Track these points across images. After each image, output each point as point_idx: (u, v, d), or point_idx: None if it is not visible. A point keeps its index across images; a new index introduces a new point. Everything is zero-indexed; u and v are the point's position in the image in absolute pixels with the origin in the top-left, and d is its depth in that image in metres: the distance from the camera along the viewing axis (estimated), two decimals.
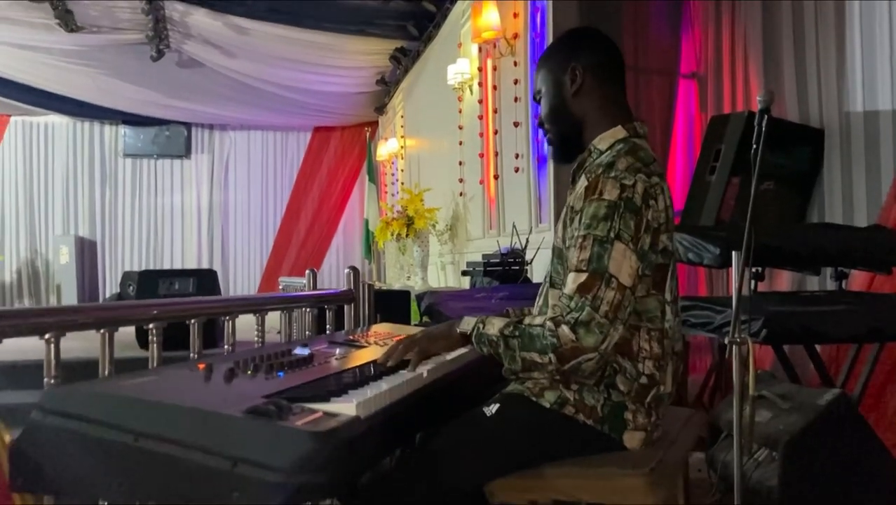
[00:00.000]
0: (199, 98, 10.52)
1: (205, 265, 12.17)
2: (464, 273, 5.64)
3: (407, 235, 7.47)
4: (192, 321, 1.83)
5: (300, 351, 1.67)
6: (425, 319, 4.59)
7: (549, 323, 1.41)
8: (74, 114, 11.64)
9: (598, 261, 1.41)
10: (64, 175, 12.03)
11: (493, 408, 1.48)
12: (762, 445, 2.70)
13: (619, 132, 1.59)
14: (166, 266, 12.18)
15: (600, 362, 1.41)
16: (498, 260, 5.22)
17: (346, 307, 2.54)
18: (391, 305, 4.21)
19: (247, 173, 12.46)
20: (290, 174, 12.45)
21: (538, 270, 5.54)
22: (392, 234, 7.75)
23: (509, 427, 1.46)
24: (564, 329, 1.39)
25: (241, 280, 12.35)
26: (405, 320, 4.29)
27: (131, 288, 10.83)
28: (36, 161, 11.95)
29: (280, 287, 4.51)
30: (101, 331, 1.68)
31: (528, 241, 5.28)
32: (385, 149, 10.82)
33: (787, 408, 2.76)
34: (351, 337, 2.01)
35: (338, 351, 1.78)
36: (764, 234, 3.33)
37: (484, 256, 5.50)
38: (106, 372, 1.68)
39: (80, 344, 2.07)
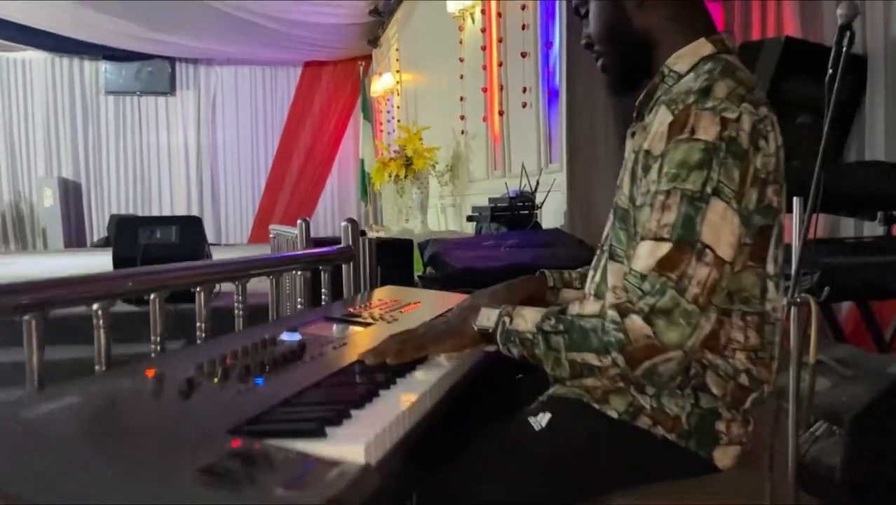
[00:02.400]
0: (182, 31, 9.90)
1: (194, 208, 11.74)
2: (469, 218, 5.25)
3: (405, 177, 7.05)
4: (153, 296, 1.46)
5: (288, 337, 1.30)
6: (429, 269, 4.24)
7: (611, 312, 1.05)
8: (52, 49, 11.00)
9: (688, 225, 1.04)
10: (44, 114, 11.46)
11: (542, 419, 1.12)
12: (820, 418, 2.40)
13: (702, 47, 1.19)
14: (154, 209, 11.75)
15: (683, 363, 1.05)
16: (506, 204, 4.83)
17: (344, 267, 2.18)
18: (392, 255, 3.84)
19: (235, 112, 11.90)
20: (281, 112, 11.89)
21: (548, 215, 5.16)
22: (389, 176, 7.33)
23: (566, 445, 1.10)
24: (636, 320, 1.02)
25: (232, 224, 11.95)
26: (408, 272, 3.93)
27: None
28: (14, 99, 11.36)
29: (271, 236, 4.13)
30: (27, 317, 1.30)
31: (538, 183, 4.89)
32: (380, 84, 10.27)
33: (850, 376, 2.45)
34: (351, 310, 1.64)
35: (335, 332, 1.42)
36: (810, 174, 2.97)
37: (490, 199, 5.11)
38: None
39: None
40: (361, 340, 1.36)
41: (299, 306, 1.95)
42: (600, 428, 1.10)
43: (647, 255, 1.05)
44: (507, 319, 1.18)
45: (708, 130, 1.05)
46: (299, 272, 1.93)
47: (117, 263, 4.39)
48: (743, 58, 4.14)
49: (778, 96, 3.94)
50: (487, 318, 1.21)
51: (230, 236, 11.91)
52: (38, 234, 11.69)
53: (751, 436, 1.14)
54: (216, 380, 1.01)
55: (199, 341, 1.61)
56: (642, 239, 1.08)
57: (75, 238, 11.51)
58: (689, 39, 1.19)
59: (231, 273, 1.69)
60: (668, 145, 1.08)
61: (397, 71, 9.65)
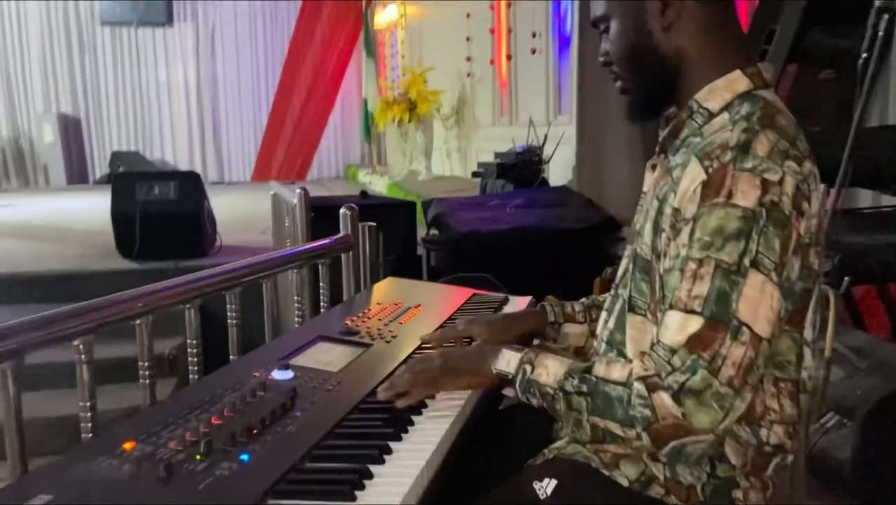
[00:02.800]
0: None
1: (196, 144, 11.58)
2: (474, 175, 5.13)
3: (409, 121, 6.87)
4: (138, 322, 1.38)
5: (280, 376, 1.23)
6: (432, 231, 4.14)
7: (638, 385, 0.97)
8: None
9: (723, 301, 0.94)
10: (40, 47, 11.15)
11: (547, 485, 1.06)
12: (831, 410, 2.35)
13: (737, 82, 1.06)
14: (155, 145, 11.58)
15: (713, 445, 0.98)
16: (512, 160, 4.70)
17: (343, 257, 2.09)
18: (394, 218, 3.74)
19: (234, 45, 11.57)
20: (281, 46, 11.55)
21: (556, 171, 5.02)
22: (393, 119, 7.15)
23: None
24: (664, 398, 0.94)
25: (235, 161, 11.78)
26: (411, 235, 3.84)
27: (120, 167, 10.31)
28: (9, 32, 11.04)
29: (271, 193, 4.02)
30: None
31: (546, 136, 4.75)
32: (383, 17, 9.93)
33: (865, 367, 2.39)
34: (348, 323, 1.56)
35: (330, 362, 1.33)
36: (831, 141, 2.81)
37: (497, 154, 4.97)
38: None
39: None
40: (362, 370, 1.29)
41: (296, 314, 1.88)
42: (610, 498, 1.03)
43: (676, 328, 0.96)
44: (528, 368, 1.10)
45: (747, 195, 0.94)
46: (295, 272, 1.85)
47: (116, 219, 4.31)
48: (765, 6, 3.90)
49: (801, 50, 3.74)
50: (507, 362, 1.14)
51: (233, 174, 11.77)
52: (40, 171, 11.56)
53: (770, 499, 1.07)
54: (199, 456, 0.94)
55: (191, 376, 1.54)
56: (671, 307, 0.99)
57: (77, 174, 11.38)
58: (720, 69, 1.07)
59: (222, 283, 1.60)
60: (700, 208, 0.97)
61: (401, 3, 9.30)
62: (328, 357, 1.36)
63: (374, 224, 2.16)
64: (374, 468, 0.95)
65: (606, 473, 1.06)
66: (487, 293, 1.97)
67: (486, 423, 1.30)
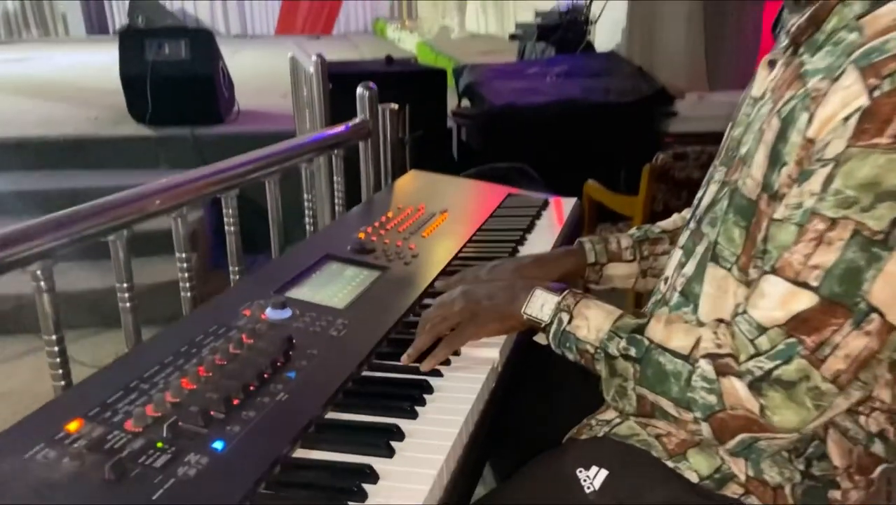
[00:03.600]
0: None
1: None
2: (512, 37, 4.68)
3: None
4: (111, 238, 1.15)
5: (273, 316, 1.02)
6: (464, 102, 3.80)
7: (704, 364, 0.76)
8: None
9: (852, 280, 0.69)
10: None
11: (595, 476, 0.85)
12: None
13: None
14: None
15: (795, 441, 0.78)
16: (555, 21, 4.24)
17: (361, 146, 1.82)
18: (422, 88, 3.41)
19: None
20: None
21: (603, 35, 4.55)
22: None
23: None
24: (737, 386, 0.74)
25: (258, 12, 11.15)
26: (440, 108, 3.50)
27: (139, 18, 9.86)
28: None
29: (289, 56, 3.68)
30: None
31: None
32: None
33: None
34: (362, 238, 1.33)
35: (337, 295, 1.12)
36: None
37: (537, 13, 4.50)
38: None
39: None
40: (369, 316, 1.07)
41: (308, 220, 1.63)
42: (675, 497, 0.83)
43: (777, 301, 0.73)
44: (564, 317, 0.90)
45: None
46: (306, 166, 1.60)
47: (125, 82, 4.03)
48: None
49: None
50: (541, 307, 0.93)
51: (255, 27, 11.20)
52: (59, 20, 11.16)
53: (870, 498, 0.87)
54: (160, 444, 0.75)
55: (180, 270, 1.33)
56: (773, 271, 0.74)
57: (97, 24, 10.96)
58: None
59: (221, 182, 1.36)
60: (850, 147, 0.70)
61: None
62: (335, 287, 1.15)
63: (396, 106, 1.88)
64: (379, 466, 0.75)
65: (671, 464, 0.85)
66: (524, 194, 1.72)
67: (523, 364, 1.09)
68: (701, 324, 0.85)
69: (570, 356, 0.90)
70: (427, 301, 1.14)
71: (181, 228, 1.29)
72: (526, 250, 1.36)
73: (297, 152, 1.54)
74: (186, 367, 0.88)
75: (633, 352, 0.82)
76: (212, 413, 0.80)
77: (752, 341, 0.74)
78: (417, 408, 0.85)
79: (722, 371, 0.75)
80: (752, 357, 0.73)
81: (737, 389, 0.74)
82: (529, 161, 2.84)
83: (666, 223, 1.19)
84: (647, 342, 0.82)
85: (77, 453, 0.72)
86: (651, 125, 3.49)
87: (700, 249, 0.90)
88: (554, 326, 0.90)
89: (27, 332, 2.99)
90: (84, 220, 1.14)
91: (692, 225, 0.95)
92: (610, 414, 0.93)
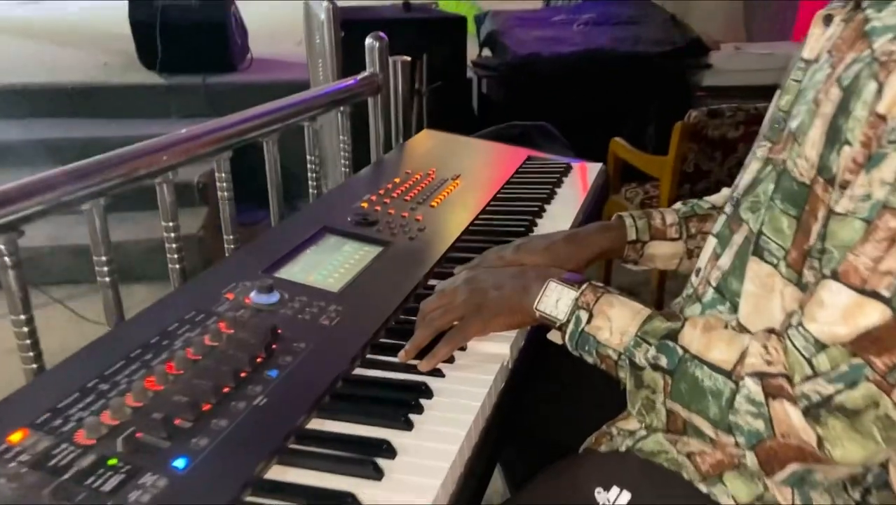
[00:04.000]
0: None
1: None
2: None
3: None
4: (86, 207, 1.03)
5: (259, 300, 0.91)
6: (485, 51, 3.61)
7: (751, 383, 0.65)
8: None
9: None
10: None
11: (617, 498, 0.74)
12: None
13: None
14: None
15: (853, 473, 0.68)
16: None
17: (370, 102, 1.69)
18: (440, 36, 3.23)
19: None
20: None
21: None
22: None
23: None
24: (790, 412, 0.62)
25: None
26: (459, 58, 3.33)
27: None
28: None
29: (303, 3, 3.51)
30: None
31: None
32: None
33: None
34: (365, 207, 1.21)
35: (332, 276, 1.01)
36: None
37: None
38: None
39: None
40: (365, 302, 0.96)
41: (311, 183, 1.50)
42: None
43: (839, 313, 0.61)
44: (583, 315, 0.78)
45: None
46: (308, 125, 1.47)
47: (134, 27, 3.89)
48: None
49: None
50: (556, 303, 0.81)
51: None
52: None
53: None
54: (113, 461, 0.65)
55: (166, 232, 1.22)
56: (834, 276, 0.62)
57: None
58: None
59: (210, 145, 1.24)
60: None
61: None
62: (330, 265, 1.03)
63: (409, 58, 1.73)
64: (365, 491, 0.65)
65: (704, 489, 0.74)
66: (544, 157, 1.58)
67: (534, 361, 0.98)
68: (742, 328, 0.73)
69: (590, 360, 0.79)
70: (433, 282, 1.03)
71: (167, 194, 1.17)
72: (545, 223, 1.24)
73: (296, 110, 1.42)
74: (154, 363, 0.78)
75: (663, 362, 0.71)
76: (177, 422, 0.70)
77: (808, 360, 0.62)
78: (413, 417, 0.75)
79: (772, 393, 0.63)
80: (808, 379, 0.62)
81: (790, 415, 0.62)
82: (553, 116, 2.68)
83: (716, 198, 1.06)
84: (681, 351, 0.70)
85: (15, 473, 0.63)
86: (684, 78, 3.30)
87: (738, 239, 0.77)
88: (571, 326, 0.79)
89: (36, 284, 2.94)
90: (59, 187, 1.03)
91: (728, 209, 0.82)
92: (634, 423, 0.82)
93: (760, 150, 0.79)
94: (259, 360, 0.80)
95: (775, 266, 0.71)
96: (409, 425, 0.74)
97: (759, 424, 0.64)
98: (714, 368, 0.67)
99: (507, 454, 1.22)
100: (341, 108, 1.58)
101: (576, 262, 0.99)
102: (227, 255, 1.33)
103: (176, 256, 1.22)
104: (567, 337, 0.80)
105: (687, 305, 0.84)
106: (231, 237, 1.34)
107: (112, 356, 0.79)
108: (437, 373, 0.82)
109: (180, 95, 3.84)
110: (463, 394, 0.79)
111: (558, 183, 1.41)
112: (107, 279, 1.11)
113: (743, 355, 0.66)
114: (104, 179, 1.08)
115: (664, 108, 2.90)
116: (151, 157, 1.15)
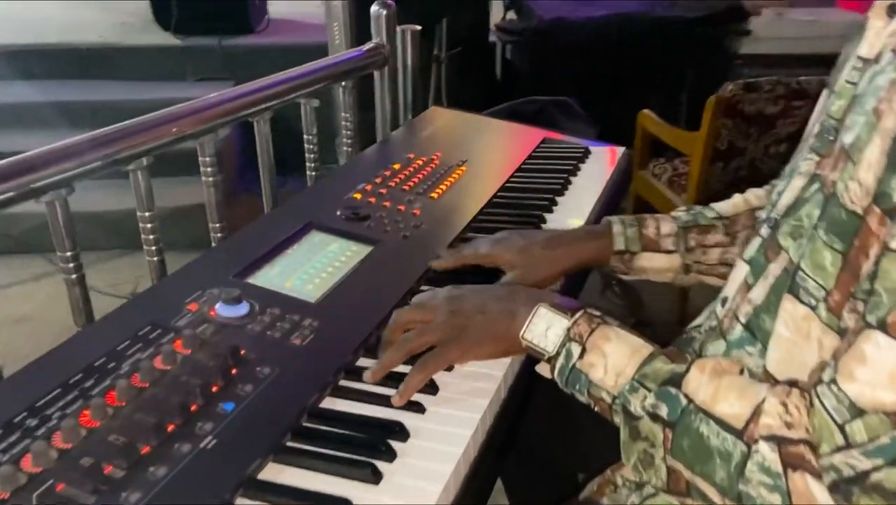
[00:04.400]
0: None
1: None
2: None
3: None
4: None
5: (225, 312, 0.81)
6: (509, 14, 3.44)
7: (765, 449, 0.54)
8: None
9: None
10: None
11: None
12: None
13: None
14: None
15: None
16: None
17: (376, 77, 1.57)
18: None
19: None
20: None
21: None
22: None
23: None
24: (813, 489, 0.52)
25: None
26: (481, 18, 3.16)
27: None
28: None
29: None
30: None
31: None
32: None
33: None
34: (358, 198, 1.10)
35: (311, 283, 0.90)
36: None
37: None
38: None
39: None
40: (345, 315, 0.86)
41: (308, 164, 1.39)
42: None
43: (885, 373, 0.50)
44: (574, 349, 0.68)
45: None
46: (305, 103, 1.35)
47: None
48: None
49: None
50: (545, 332, 0.70)
51: None
52: None
53: None
54: None
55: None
56: (882, 326, 0.51)
57: None
58: None
59: (198, 124, 1.13)
60: None
61: None
62: (311, 269, 0.93)
63: (419, 28, 1.60)
64: None
65: None
66: (562, 140, 1.45)
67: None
68: (770, 376, 0.62)
69: (581, 399, 0.69)
70: (426, 288, 0.93)
71: (141, 181, 1.07)
72: (555, 219, 1.12)
73: (291, 87, 1.30)
74: (94, 392, 0.69)
75: (664, 412, 0.60)
76: (108, 470, 0.61)
77: (841, 427, 0.51)
78: (383, 467, 0.65)
79: (791, 463, 0.53)
80: (839, 450, 0.51)
81: (813, 491, 0.52)
82: (580, 84, 2.54)
83: (723, 206, 0.93)
84: (684, 401, 0.59)
85: None
86: (721, 45, 3.10)
87: (775, 270, 0.65)
88: (561, 360, 0.68)
89: (48, 251, 2.90)
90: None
91: (765, 231, 0.70)
92: (647, 485, 0.71)
93: (805, 163, 0.67)
94: (215, 388, 0.71)
95: (813, 308, 0.59)
96: (377, 477, 0.64)
97: (776, 499, 0.53)
98: (722, 424, 0.57)
99: (509, 469, 1.13)
100: (343, 84, 1.46)
101: (550, 269, 0.89)
102: (212, 243, 1.24)
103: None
104: (556, 372, 0.70)
105: (709, 341, 0.73)
106: (217, 225, 1.24)
107: (48, 382, 0.70)
108: (415, 406, 0.72)
109: (196, 57, 3.73)
110: (443, 438, 0.69)
111: (574, 171, 1.28)
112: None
113: (757, 412, 0.55)
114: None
115: (699, 78, 2.73)
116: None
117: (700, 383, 0.60)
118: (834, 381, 0.53)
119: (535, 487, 1.13)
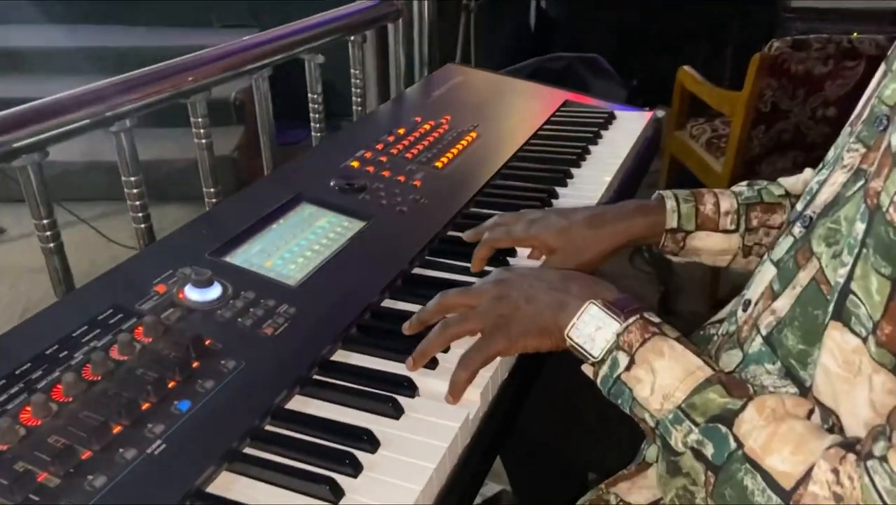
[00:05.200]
0: None
1: None
2: None
3: None
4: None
5: (194, 296, 0.75)
6: None
7: (820, 494, 0.46)
8: None
9: None
10: None
11: None
12: None
13: None
14: None
15: None
16: None
17: (390, 30, 1.47)
18: None
19: None
20: None
21: None
22: None
23: None
24: None
25: None
26: None
27: None
28: None
29: None
30: None
31: None
32: None
33: None
34: (355, 166, 1.02)
35: (294, 263, 0.84)
36: None
37: None
38: None
39: None
40: (325, 300, 0.79)
41: (313, 124, 1.30)
42: None
43: None
44: (622, 359, 0.60)
45: None
46: (310, 61, 1.26)
47: None
48: None
49: None
50: (594, 333, 0.62)
51: None
52: None
53: None
54: None
55: None
56: None
57: None
58: None
59: (188, 84, 1.05)
60: None
61: None
62: (296, 247, 0.86)
63: None
64: None
65: None
66: (586, 102, 1.35)
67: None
68: (822, 406, 0.53)
69: (623, 408, 0.61)
70: (419, 272, 0.86)
71: (125, 143, 1.01)
72: (567, 194, 1.03)
73: (291, 42, 1.21)
74: (40, 385, 0.64)
75: (709, 452, 0.53)
76: (41, 478, 0.56)
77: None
78: (345, 483, 0.58)
79: None
80: None
81: None
82: (617, 36, 2.38)
83: (792, 182, 0.83)
84: (733, 445, 0.52)
85: None
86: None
87: (803, 278, 0.56)
88: (605, 369, 0.61)
89: (67, 200, 2.87)
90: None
91: (798, 230, 0.60)
92: (637, 495, 0.64)
93: (850, 154, 0.57)
94: (171, 384, 0.65)
95: (864, 341, 0.49)
96: (337, 496, 0.57)
97: None
98: (769, 481, 0.49)
99: (514, 464, 1.07)
100: (352, 38, 1.37)
101: (596, 251, 0.81)
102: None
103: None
104: (599, 380, 0.62)
105: (724, 349, 0.64)
106: (212, 190, 1.17)
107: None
108: (389, 410, 0.65)
109: (222, 4, 3.64)
110: (417, 446, 0.62)
111: (595, 139, 1.18)
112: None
113: (808, 474, 0.47)
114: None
115: (744, 32, 2.55)
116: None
117: (754, 427, 0.52)
118: (885, 458, 0.45)
119: (542, 483, 1.07)
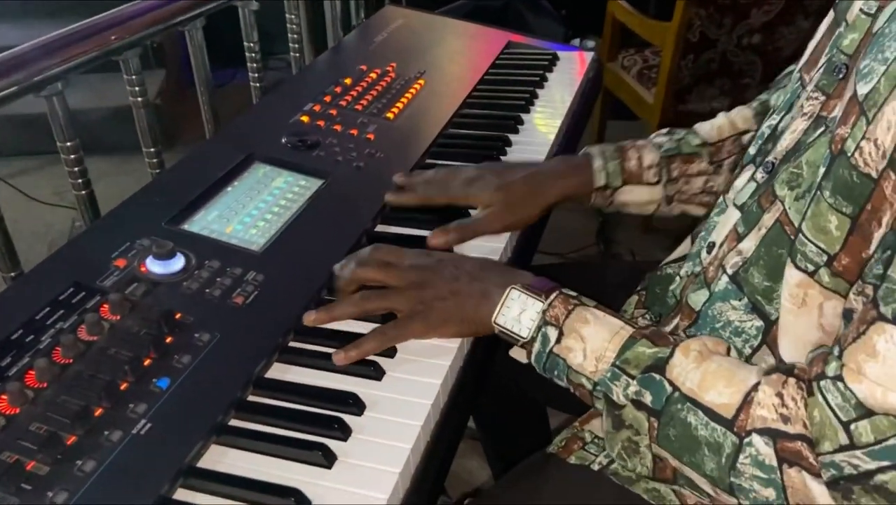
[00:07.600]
0: None
1: None
2: None
3: None
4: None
5: (157, 268, 0.73)
6: None
7: (760, 442, 0.50)
8: None
9: None
10: None
11: None
12: None
13: None
14: None
15: None
16: None
17: None
18: None
19: None
20: None
21: None
22: None
23: None
24: (811, 486, 0.49)
25: None
26: None
27: None
28: None
29: None
30: None
31: None
32: None
33: None
34: (305, 121, 1.00)
35: (256, 227, 0.82)
36: None
37: None
38: None
39: None
40: (290, 264, 0.79)
41: (252, 79, 1.25)
42: None
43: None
44: (551, 333, 0.62)
45: None
46: (241, 4, 1.20)
47: None
48: None
49: None
50: (519, 316, 0.65)
51: None
52: None
53: None
54: None
55: None
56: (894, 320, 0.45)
57: None
58: None
59: (119, 40, 0.99)
60: None
61: None
62: (255, 210, 0.85)
63: None
64: None
65: None
66: (527, 43, 1.34)
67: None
68: (771, 348, 0.57)
69: (562, 384, 0.64)
70: (382, 229, 0.86)
71: (59, 109, 0.95)
72: (520, 140, 1.04)
73: None
74: (11, 372, 0.62)
75: (648, 399, 0.56)
76: (29, 467, 0.55)
77: (845, 425, 0.47)
78: (336, 446, 0.60)
79: (788, 459, 0.49)
80: (842, 449, 0.47)
81: (810, 488, 0.48)
82: None
83: (708, 130, 0.86)
84: (669, 388, 0.55)
85: None
86: None
87: (768, 220, 0.59)
88: (537, 346, 0.63)
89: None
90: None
91: (760, 176, 0.63)
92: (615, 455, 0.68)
93: (809, 102, 0.59)
94: (147, 362, 0.64)
95: (811, 274, 0.53)
96: (329, 460, 0.59)
97: (770, 493, 0.50)
98: (711, 414, 0.53)
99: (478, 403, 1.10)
100: None
101: (532, 207, 0.84)
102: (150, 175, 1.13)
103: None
104: (533, 357, 0.65)
105: (691, 290, 0.68)
106: (152, 150, 1.13)
107: None
108: (371, 373, 0.66)
109: None
110: (401, 406, 0.64)
111: (541, 82, 1.19)
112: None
113: (748, 400, 0.51)
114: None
115: None
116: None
117: (686, 368, 0.55)
118: (840, 377, 0.48)
119: (502, 416, 1.11)
